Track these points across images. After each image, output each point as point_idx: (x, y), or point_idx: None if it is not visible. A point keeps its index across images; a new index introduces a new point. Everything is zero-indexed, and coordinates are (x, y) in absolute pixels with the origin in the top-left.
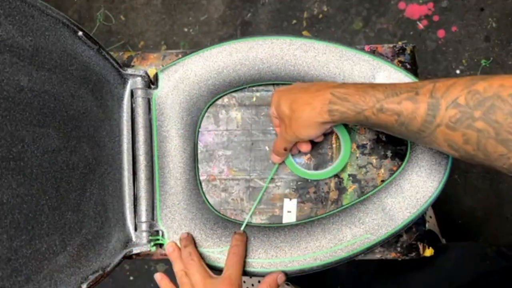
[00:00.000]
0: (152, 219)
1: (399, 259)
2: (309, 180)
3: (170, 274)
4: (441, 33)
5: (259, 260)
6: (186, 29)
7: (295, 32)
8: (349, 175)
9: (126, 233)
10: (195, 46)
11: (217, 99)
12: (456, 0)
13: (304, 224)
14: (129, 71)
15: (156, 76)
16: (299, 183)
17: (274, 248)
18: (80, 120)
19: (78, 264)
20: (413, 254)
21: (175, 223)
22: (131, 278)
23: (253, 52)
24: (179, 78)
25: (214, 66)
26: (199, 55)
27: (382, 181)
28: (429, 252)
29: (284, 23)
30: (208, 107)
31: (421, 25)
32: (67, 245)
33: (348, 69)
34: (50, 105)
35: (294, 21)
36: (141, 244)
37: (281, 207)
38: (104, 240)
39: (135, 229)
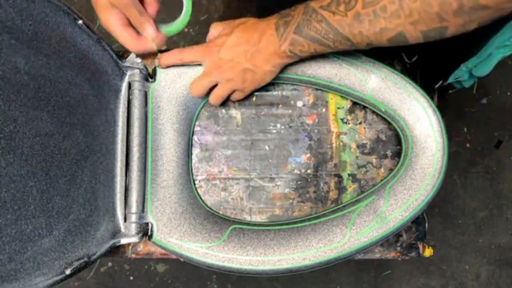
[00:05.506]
0: (142, 211)
1: (399, 259)
2: (309, 180)
3: (170, 274)
4: None
5: (247, 258)
6: (186, 29)
7: None
8: (349, 175)
9: (115, 223)
10: None
11: None
12: None
13: (295, 223)
14: (128, 63)
15: (154, 69)
16: (299, 182)
17: (263, 246)
18: (75, 107)
19: (64, 249)
20: (413, 253)
21: (165, 216)
22: (131, 278)
23: None
24: (177, 73)
25: None
26: None
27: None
28: (428, 252)
29: None
30: (205, 103)
31: None
32: (53, 229)
33: (345, 69)
34: (46, 89)
35: None
36: (129, 235)
37: (281, 207)
38: (92, 228)
39: (125, 220)
